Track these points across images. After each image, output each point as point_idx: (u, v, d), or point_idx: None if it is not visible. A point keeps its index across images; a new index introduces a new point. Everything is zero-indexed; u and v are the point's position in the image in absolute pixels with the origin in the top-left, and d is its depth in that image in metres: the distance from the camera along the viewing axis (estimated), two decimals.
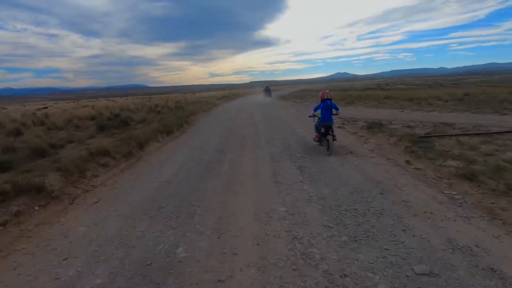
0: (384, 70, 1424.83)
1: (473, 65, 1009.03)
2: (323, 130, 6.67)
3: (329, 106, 6.62)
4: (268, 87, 36.17)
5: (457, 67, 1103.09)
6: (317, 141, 7.13)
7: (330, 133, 6.56)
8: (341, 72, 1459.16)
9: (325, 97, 6.78)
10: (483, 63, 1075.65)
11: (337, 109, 6.77)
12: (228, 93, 53.02)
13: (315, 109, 6.88)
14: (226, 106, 26.94)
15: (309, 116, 7.25)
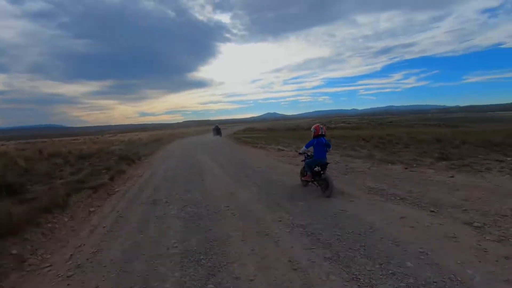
0: (308, 111, 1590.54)
1: (377, 107, 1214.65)
2: (318, 169, 6.08)
3: (323, 143, 6.10)
4: (217, 126, 34.89)
5: (366, 108, 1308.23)
6: (309, 181, 6.43)
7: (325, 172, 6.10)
8: (271, 112, 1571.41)
9: (319, 132, 6.15)
10: (384, 105, 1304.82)
11: (329, 146, 6.26)
12: (161, 134, 43.21)
13: (307, 146, 6.34)
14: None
15: (299, 153, 6.83)
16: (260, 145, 18.64)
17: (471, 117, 72.13)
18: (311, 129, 6.26)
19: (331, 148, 6.33)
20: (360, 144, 14.72)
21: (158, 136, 34.79)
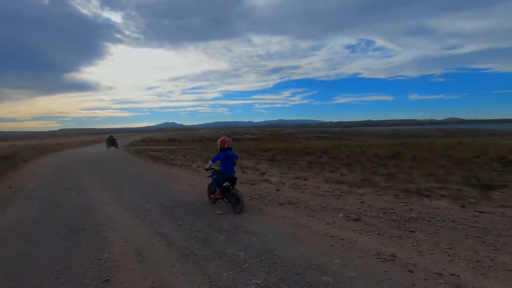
0: (208, 122, 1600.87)
1: (270, 120, 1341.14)
2: (226, 184, 5.72)
3: (230, 156, 5.78)
4: (112, 136, 31.10)
5: (260, 121, 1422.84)
6: (218, 198, 5.97)
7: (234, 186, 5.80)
8: (169, 122, 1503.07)
9: (226, 145, 5.81)
10: (276, 119, 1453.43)
11: (237, 158, 5.95)
12: (21, 146, 30.82)
13: (214, 160, 5.83)
14: None
15: (205, 169, 6.34)
16: (178, 161, 14.17)
17: (347, 131, 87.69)
18: (217, 142, 5.89)
19: (237, 159, 6.01)
20: (323, 161, 11.74)
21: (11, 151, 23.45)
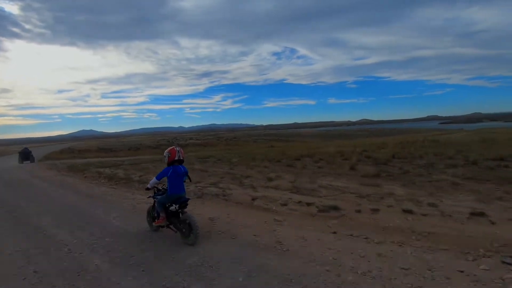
0: (133, 128, 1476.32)
1: (202, 125, 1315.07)
2: (174, 207, 4.38)
3: (181, 173, 4.42)
4: (27, 149, 26.45)
5: (191, 126, 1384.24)
6: (163, 226, 4.64)
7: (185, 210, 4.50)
8: (87, 129, 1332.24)
9: (176, 158, 4.40)
10: (207, 123, 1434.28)
11: (187, 175, 4.57)
12: None
13: (160, 177, 4.38)
14: None
15: (146, 189, 4.74)
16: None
17: (284, 133, 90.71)
18: (164, 154, 4.54)
19: (188, 179, 4.69)
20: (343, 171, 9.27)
21: None
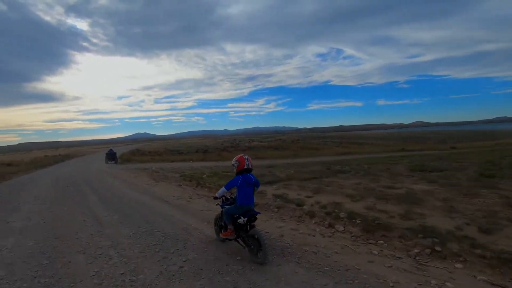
0: (182, 131, 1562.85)
1: (245, 128, 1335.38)
2: (242, 220, 3.98)
3: (251, 182, 4.06)
4: (112, 150, 28.19)
5: (236, 129, 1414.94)
6: (231, 239, 4.28)
7: (253, 224, 4.06)
8: (142, 132, 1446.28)
9: (245, 166, 4.07)
10: (251, 126, 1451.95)
11: (258, 185, 4.22)
12: None
13: (229, 186, 4.06)
14: None
15: (215, 198, 4.33)
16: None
17: (349, 136, 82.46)
18: (232, 162, 4.14)
19: (259, 188, 4.29)
20: None
21: None
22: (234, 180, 4.01)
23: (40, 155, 43.13)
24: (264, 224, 5.27)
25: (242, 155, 4.19)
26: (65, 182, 12.43)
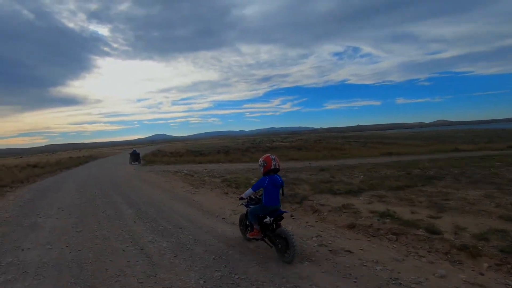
0: (199, 132, 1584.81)
1: (261, 128, 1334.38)
2: (269, 220, 3.93)
3: (278, 183, 4.00)
4: (136, 151, 28.04)
5: (252, 130, 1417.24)
6: (257, 239, 4.21)
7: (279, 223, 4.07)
8: (160, 133, 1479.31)
9: (272, 167, 4.00)
10: (267, 127, 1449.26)
11: (283, 185, 4.12)
12: None
13: (256, 187, 4.01)
14: None
15: (240, 198, 4.34)
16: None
17: (369, 135, 78.55)
18: (259, 162, 4.08)
19: (282, 192, 4.15)
20: None
21: None
22: (261, 181, 3.96)
23: (65, 156, 43.20)
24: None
25: (268, 155, 4.11)
26: (92, 187, 10.96)
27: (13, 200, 8.71)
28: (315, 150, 42.60)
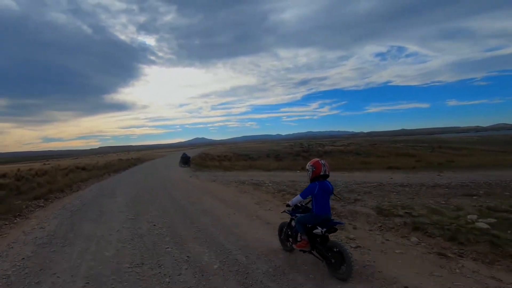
0: (236, 136, 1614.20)
1: (298, 132, 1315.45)
2: (320, 230, 3.56)
3: (329, 190, 3.63)
4: (186, 154, 28.00)
5: (289, 134, 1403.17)
6: (305, 251, 3.83)
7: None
8: (200, 137, 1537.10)
9: (321, 172, 3.60)
10: (304, 131, 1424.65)
11: (333, 192, 3.76)
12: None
13: (305, 194, 3.66)
14: None
15: (287, 205, 4.09)
16: None
17: (428, 140, 69.18)
18: (307, 167, 3.71)
19: (337, 197, 4.59)
20: None
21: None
22: (311, 188, 3.60)
23: (114, 158, 43.29)
24: None
25: (318, 159, 3.77)
26: (147, 206, 7.80)
27: (20, 243, 5.12)
28: (376, 155, 36.96)
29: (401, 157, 32.94)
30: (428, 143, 54.11)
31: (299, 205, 4.01)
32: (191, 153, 32.48)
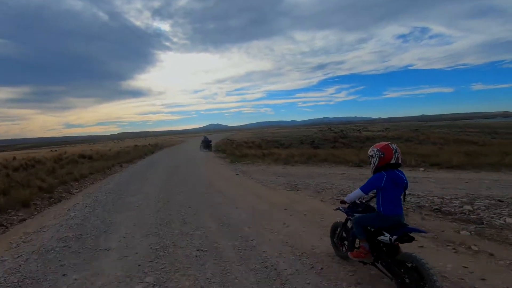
0: (251, 122, 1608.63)
1: (314, 118, 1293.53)
2: (389, 239, 2.55)
3: (402, 183, 2.67)
4: (207, 138, 27.13)
5: (304, 120, 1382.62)
6: (365, 262, 2.89)
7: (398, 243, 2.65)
8: (215, 123, 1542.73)
9: (392, 160, 2.65)
10: (320, 117, 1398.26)
11: (407, 186, 2.80)
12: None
13: (366, 188, 2.74)
14: None
15: (342, 202, 3.15)
16: None
17: (461, 124, 61.88)
18: (371, 153, 2.73)
19: (403, 197, 2.74)
20: None
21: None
22: (376, 179, 2.63)
23: (130, 144, 39.87)
24: None
25: (387, 143, 2.73)
26: (177, 231, 3.81)
27: None
28: (432, 143, 31.00)
29: (467, 145, 26.99)
30: (480, 128, 47.30)
31: (358, 202, 3.08)
32: (212, 139, 28.85)
